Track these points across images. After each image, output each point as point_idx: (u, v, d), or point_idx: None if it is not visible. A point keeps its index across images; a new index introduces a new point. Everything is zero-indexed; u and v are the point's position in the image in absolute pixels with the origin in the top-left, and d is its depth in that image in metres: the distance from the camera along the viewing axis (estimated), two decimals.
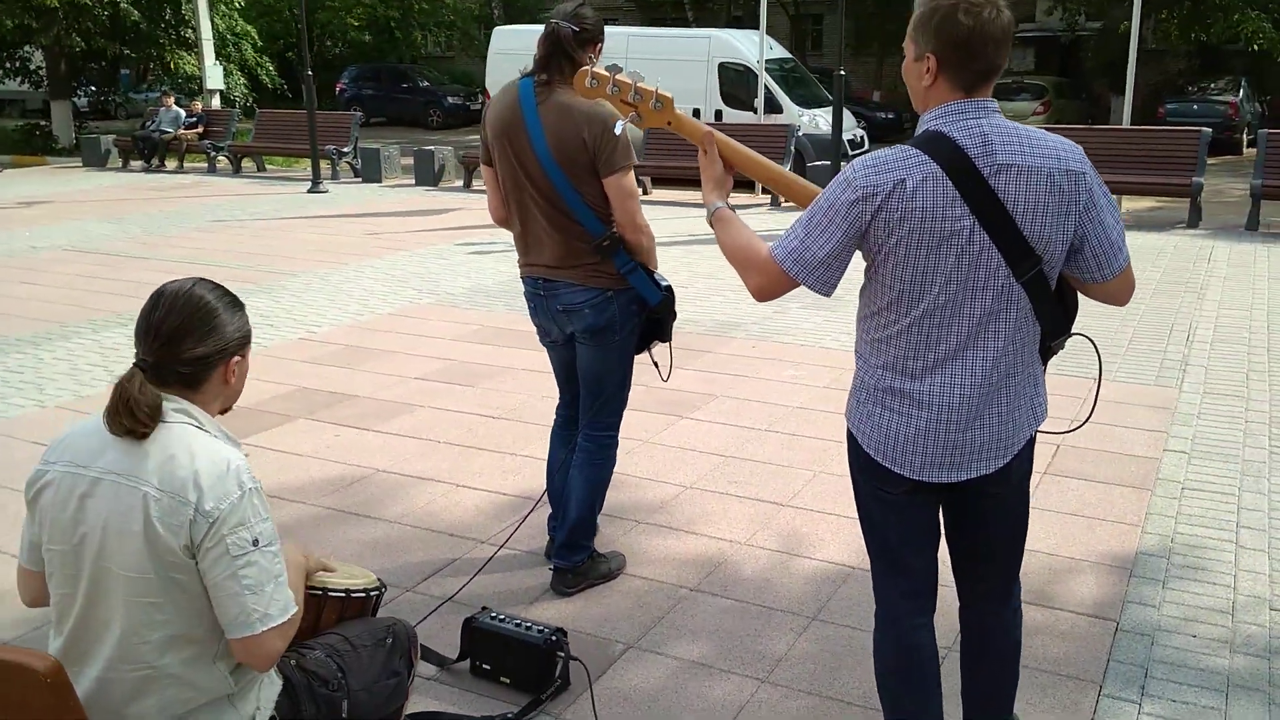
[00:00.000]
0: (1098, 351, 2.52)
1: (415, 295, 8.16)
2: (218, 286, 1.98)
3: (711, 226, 2.37)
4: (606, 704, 2.91)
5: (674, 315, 3.40)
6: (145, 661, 1.85)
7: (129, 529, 1.81)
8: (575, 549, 3.51)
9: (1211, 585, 3.52)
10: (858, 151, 15.82)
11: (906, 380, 2.20)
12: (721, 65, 16.50)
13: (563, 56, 3.16)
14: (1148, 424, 5.07)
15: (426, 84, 29.88)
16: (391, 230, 11.31)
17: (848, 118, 17.06)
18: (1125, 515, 4.08)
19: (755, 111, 15.90)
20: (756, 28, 16.16)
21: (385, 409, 5.41)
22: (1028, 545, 3.53)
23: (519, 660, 2.93)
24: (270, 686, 1.99)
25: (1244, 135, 19.99)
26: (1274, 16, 20.43)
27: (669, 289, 3.35)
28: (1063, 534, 3.91)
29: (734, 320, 7.29)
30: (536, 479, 4.48)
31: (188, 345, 1.89)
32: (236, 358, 1.98)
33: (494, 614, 3.04)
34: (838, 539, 3.91)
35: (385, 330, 7.07)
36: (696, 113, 16.33)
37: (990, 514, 2.36)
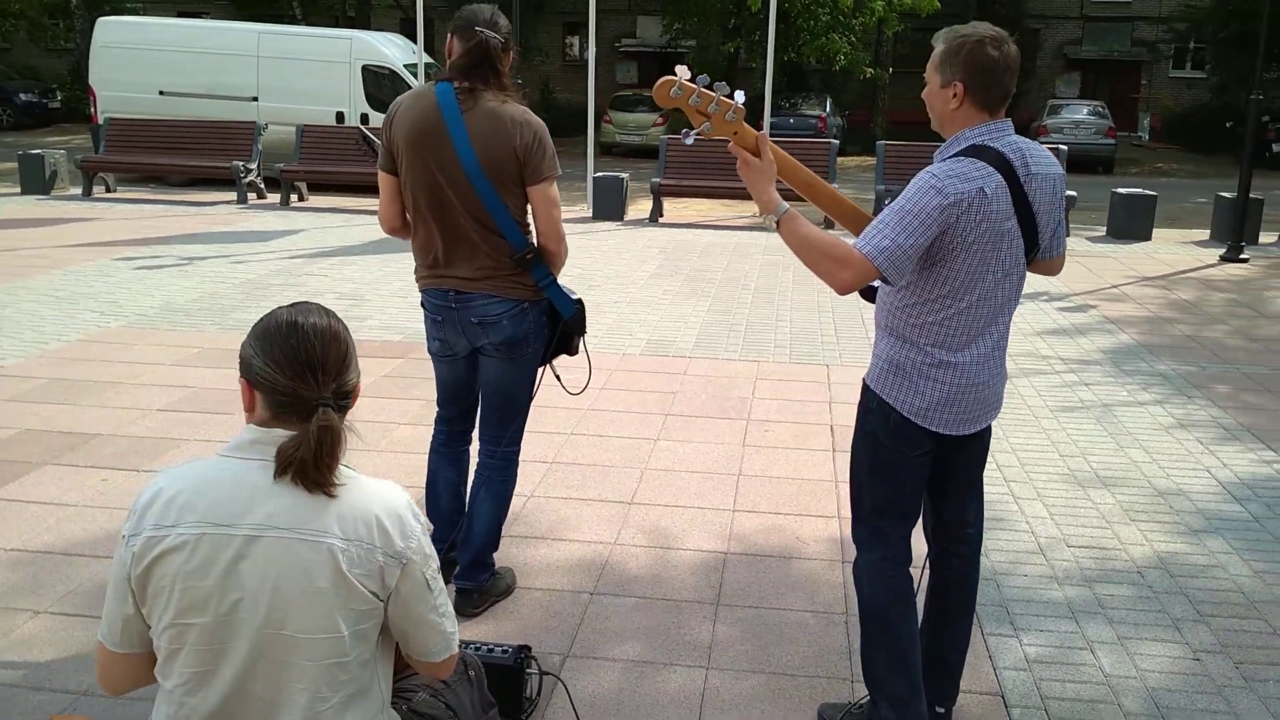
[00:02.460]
0: None
1: (97, 318, 7.29)
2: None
3: (778, 227, 2.51)
4: (572, 712, 2.90)
5: (584, 329, 3.43)
6: None
7: (314, 587, 1.61)
8: (481, 568, 3.44)
9: (1015, 532, 4.13)
10: None
11: (952, 354, 2.53)
12: (365, 68, 16.06)
13: (488, 65, 3.11)
14: None
15: None
16: (25, 246, 9.93)
17: None
18: None
19: None
20: (368, 28, 16.08)
21: (145, 446, 4.86)
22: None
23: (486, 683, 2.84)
24: None
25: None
26: (850, 40, 23.39)
27: (579, 302, 3.38)
28: None
29: None
30: None
31: (349, 377, 1.74)
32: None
33: None
34: (696, 529, 4.11)
35: (88, 359, 6.27)
36: (340, 116, 15.84)
37: (976, 459, 2.77)
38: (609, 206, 12.80)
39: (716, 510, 4.29)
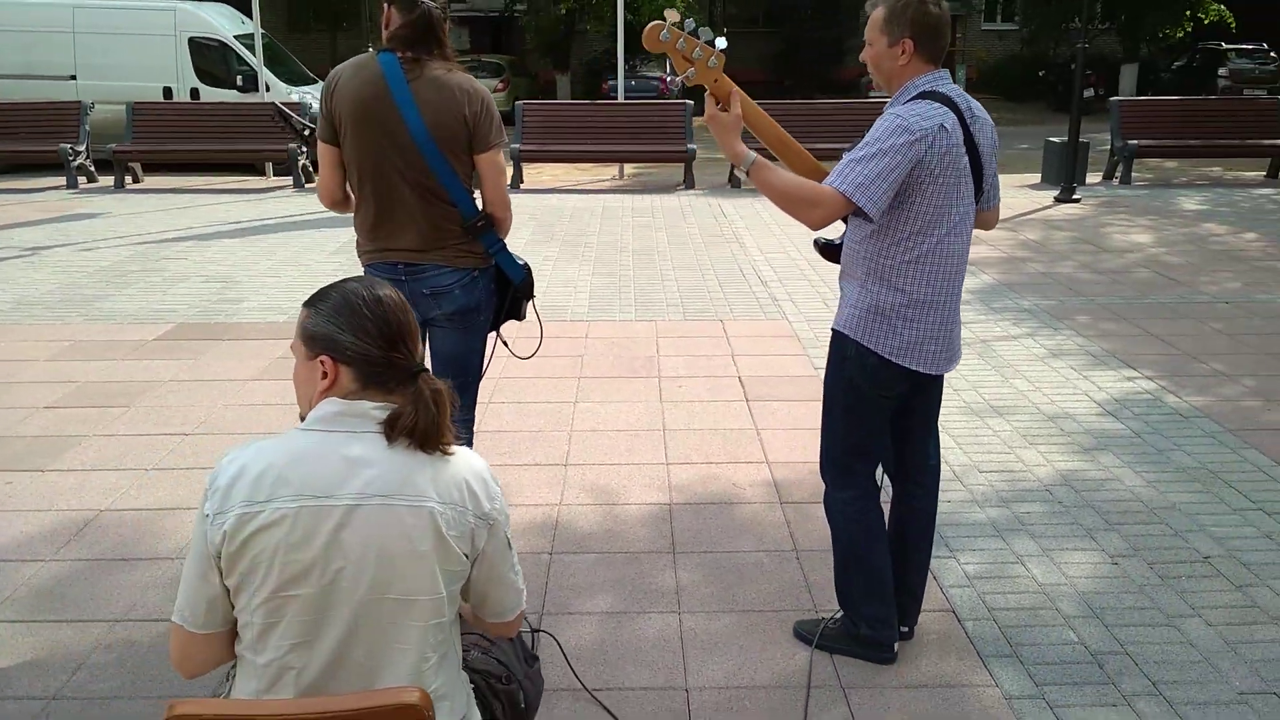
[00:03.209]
0: None
1: None
2: None
3: (748, 174, 2.65)
4: (565, 665, 2.98)
5: (533, 294, 3.46)
6: (429, 688, 1.69)
7: (418, 550, 1.64)
8: None
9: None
10: None
11: (926, 294, 2.71)
12: (192, 40, 15.29)
13: (433, 35, 3.10)
14: (789, 350, 6.00)
15: None
16: None
17: None
18: None
19: (238, 89, 15.06)
20: None
21: (42, 446, 4.62)
22: (799, 459, 4.25)
23: None
24: (472, 695, 1.90)
25: None
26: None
27: (527, 266, 3.41)
28: (809, 446, 4.60)
29: None
30: None
31: (421, 345, 1.79)
32: None
33: None
34: (635, 484, 4.22)
35: None
36: (168, 91, 15.08)
37: (935, 403, 2.99)
38: None
39: (651, 465, 4.41)
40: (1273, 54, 25.20)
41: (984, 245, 8.98)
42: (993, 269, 8.08)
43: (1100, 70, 25.70)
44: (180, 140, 12.98)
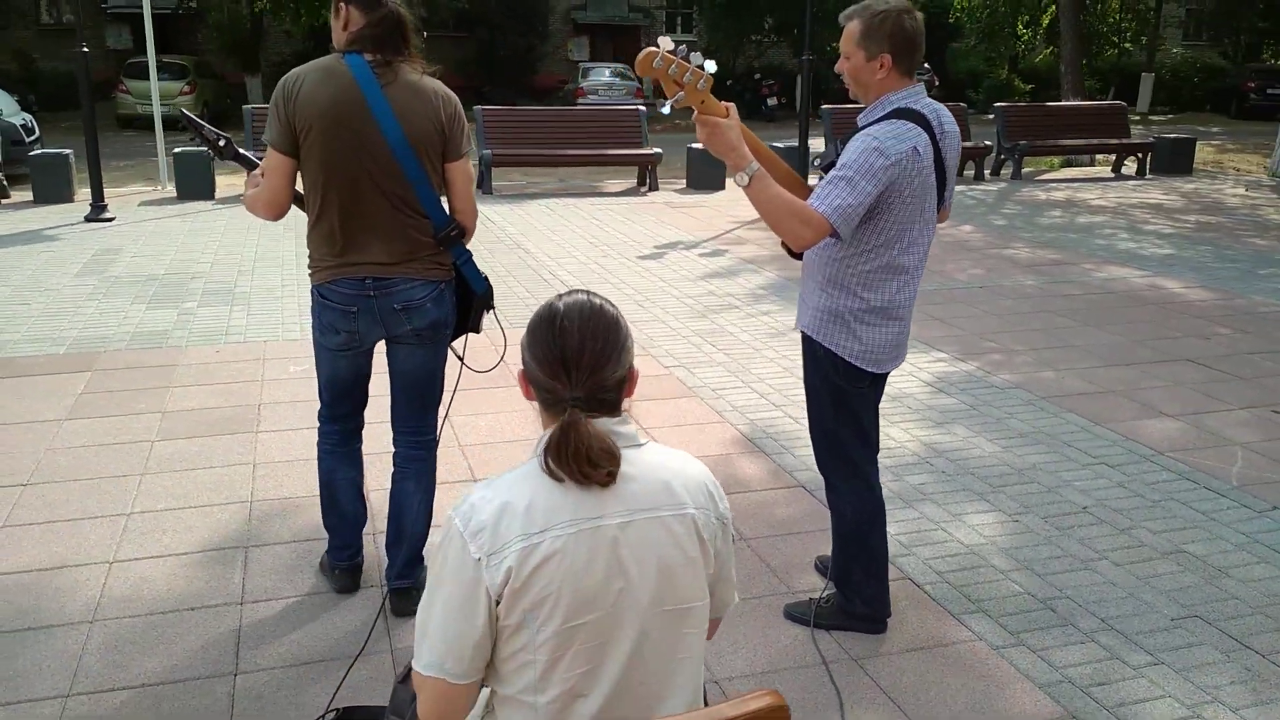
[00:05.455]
0: None
1: None
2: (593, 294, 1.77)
3: (749, 183, 2.66)
4: None
5: (493, 304, 3.39)
6: (698, 704, 1.69)
7: (689, 557, 1.64)
8: (419, 563, 3.35)
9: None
10: (33, 139, 14.08)
11: (888, 300, 2.91)
12: None
13: (400, 36, 2.98)
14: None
15: None
16: None
17: (9, 103, 15.08)
18: (709, 417, 5.09)
19: None
20: None
21: None
22: (699, 452, 4.43)
23: None
24: None
25: None
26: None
27: (487, 278, 3.34)
28: (704, 440, 4.77)
29: (158, 329, 6.51)
30: (201, 530, 3.87)
31: (609, 373, 1.68)
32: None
33: None
34: None
35: None
36: None
37: (882, 389, 3.23)
38: (195, 185, 11.80)
39: None
40: (926, 65, 28.37)
41: (751, 245, 9.56)
42: (769, 267, 8.63)
43: (779, 79, 27.83)
44: None
